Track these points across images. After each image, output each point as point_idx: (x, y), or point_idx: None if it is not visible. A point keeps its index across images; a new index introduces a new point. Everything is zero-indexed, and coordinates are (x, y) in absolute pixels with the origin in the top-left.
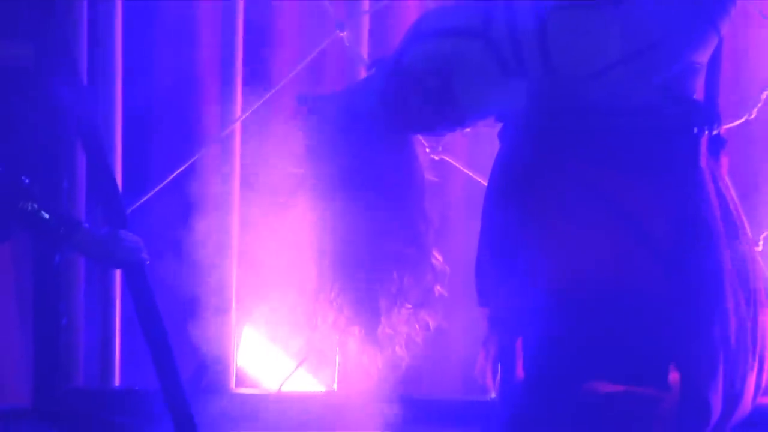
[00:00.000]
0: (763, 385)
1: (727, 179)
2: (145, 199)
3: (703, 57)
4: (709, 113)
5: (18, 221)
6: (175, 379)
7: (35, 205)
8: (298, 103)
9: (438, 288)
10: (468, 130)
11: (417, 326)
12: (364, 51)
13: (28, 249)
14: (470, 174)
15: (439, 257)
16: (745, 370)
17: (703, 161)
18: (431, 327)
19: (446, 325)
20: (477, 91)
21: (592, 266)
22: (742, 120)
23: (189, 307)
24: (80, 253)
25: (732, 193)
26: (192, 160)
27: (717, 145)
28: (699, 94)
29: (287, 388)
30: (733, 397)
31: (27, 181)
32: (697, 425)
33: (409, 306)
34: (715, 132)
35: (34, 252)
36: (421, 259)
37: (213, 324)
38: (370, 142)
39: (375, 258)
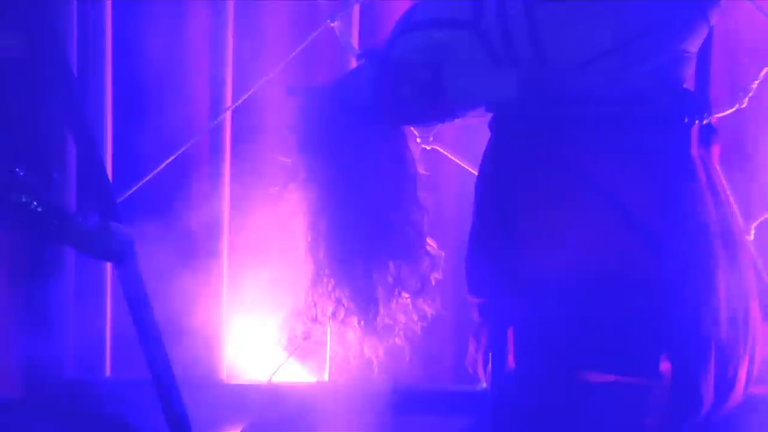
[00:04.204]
0: (754, 374)
1: (718, 168)
2: (134, 189)
3: (694, 46)
4: (699, 102)
5: (11, 213)
6: (166, 370)
7: (29, 198)
8: (288, 95)
9: (434, 276)
10: (459, 120)
11: (415, 315)
12: (355, 42)
13: (20, 240)
14: (461, 164)
15: (434, 245)
16: (736, 359)
17: (694, 150)
18: (429, 315)
19: (442, 313)
20: (467, 81)
21: (584, 255)
22: (734, 109)
23: (180, 299)
24: (72, 246)
25: (723, 182)
26: (182, 150)
27: (708, 134)
28: (690, 84)
29: (278, 378)
30: (724, 387)
31: (21, 173)
32: (688, 414)
33: (407, 295)
34: (705, 121)
35: (26, 244)
36: (417, 247)
37: (204, 315)
38: (361, 133)
39: (371, 248)
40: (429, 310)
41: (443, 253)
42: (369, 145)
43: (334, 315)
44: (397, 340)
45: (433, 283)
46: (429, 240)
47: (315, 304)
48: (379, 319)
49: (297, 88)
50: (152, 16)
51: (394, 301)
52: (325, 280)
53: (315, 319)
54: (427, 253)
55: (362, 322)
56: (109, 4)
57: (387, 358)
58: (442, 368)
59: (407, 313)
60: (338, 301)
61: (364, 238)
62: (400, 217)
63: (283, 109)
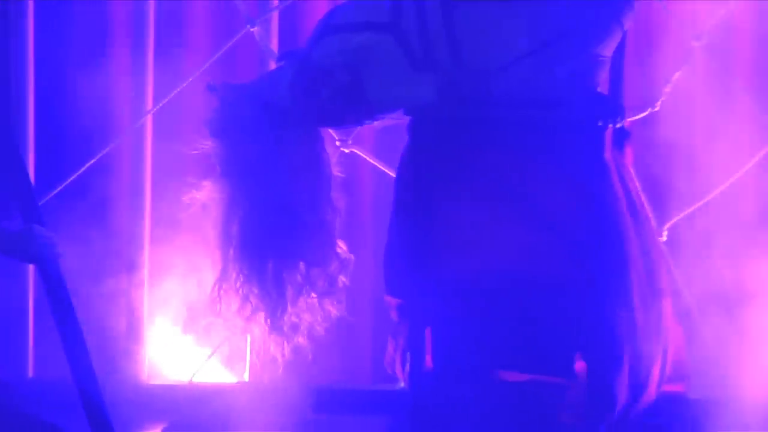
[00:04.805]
0: (667, 373)
1: (631, 171)
2: (56, 191)
3: (608, 50)
4: (613, 106)
5: None
6: (88, 371)
7: None
8: (208, 91)
9: (342, 278)
10: (377, 122)
11: (320, 315)
12: (275, 46)
13: None
14: (380, 166)
15: (344, 247)
16: (649, 359)
17: (608, 153)
18: (334, 316)
19: (352, 315)
20: (386, 84)
21: (499, 256)
22: (647, 113)
23: (101, 300)
24: None
25: (636, 185)
26: (103, 152)
27: (621, 137)
28: (604, 87)
29: (199, 379)
30: (637, 386)
31: None
32: (602, 413)
33: (315, 295)
34: (619, 124)
35: None
36: (327, 249)
37: (125, 316)
38: (278, 133)
39: (282, 247)
40: (334, 311)
41: (353, 257)
42: (285, 145)
43: (240, 311)
44: (301, 339)
45: (341, 285)
46: (339, 242)
47: (220, 300)
48: (285, 317)
49: (216, 84)
50: (74, 20)
51: (302, 300)
52: (233, 276)
53: (219, 314)
54: (337, 255)
55: (269, 320)
56: (31, 7)
57: (293, 356)
58: (361, 368)
59: (313, 313)
60: (245, 298)
61: (275, 236)
62: (312, 218)
63: (202, 111)
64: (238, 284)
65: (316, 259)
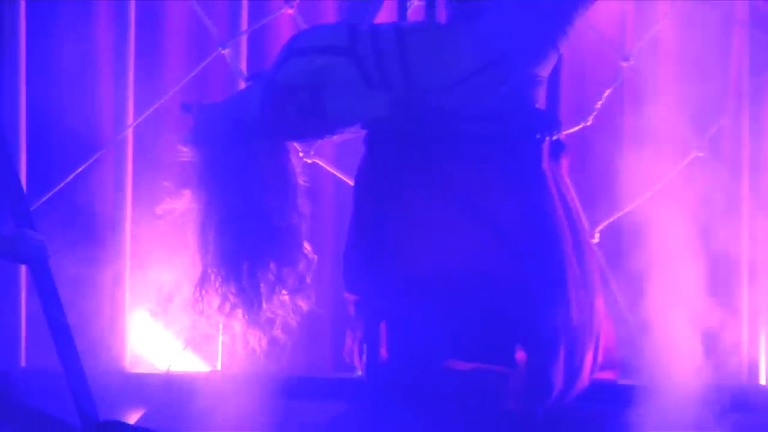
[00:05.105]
0: (599, 362)
1: (567, 179)
2: (46, 198)
3: (545, 71)
4: (550, 120)
5: None
6: (75, 361)
7: None
8: (182, 110)
9: (309, 276)
10: (337, 136)
11: (292, 310)
12: (244, 67)
13: None
14: (339, 175)
15: (310, 248)
16: (583, 350)
17: (545, 163)
18: (304, 310)
19: (318, 309)
20: (344, 102)
21: (447, 257)
22: (580, 127)
23: (87, 296)
24: None
25: (571, 192)
26: (88, 163)
27: (557, 149)
28: (542, 104)
29: (175, 368)
30: (572, 374)
31: None
32: (540, 398)
33: (286, 292)
34: (555, 137)
35: None
36: (295, 250)
37: (109, 310)
38: (248, 147)
39: (255, 249)
40: (305, 306)
41: (317, 257)
42: (255, 157)
43: (220, 309)
44: (277, 331)
45: (309, 282)
46: (306, 244)
47: (202, 299)
48: (261, 313)
49: (191, 104)
50: (64, 45)
51: (275, 297)
52: (212, 277)
53: (202, 313)
54: (305, 255)
55: (247, 316)
56: (23, 28)
57: (269, 347)
58: (322, 358)
59: (285, 308)
60: (224, 297)
61: (248, 240)
62: (281, 222)
63: (178, 125)
64: (217, 284)
65: (286, 259)
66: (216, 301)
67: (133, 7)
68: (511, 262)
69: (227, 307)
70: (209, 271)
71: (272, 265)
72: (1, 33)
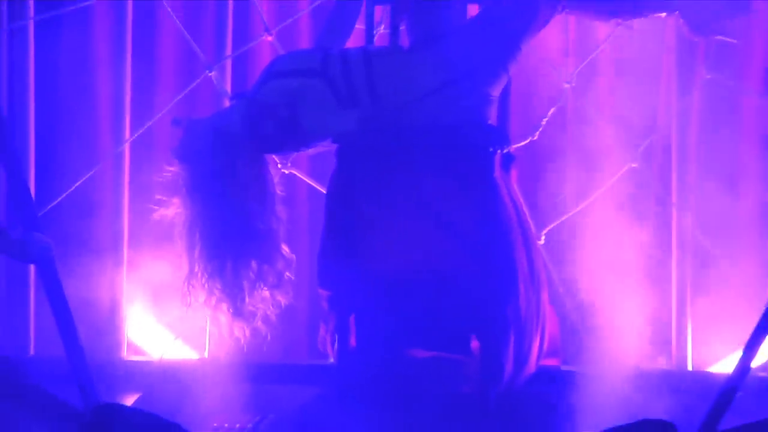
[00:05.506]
0: (544, 350)
1: (516, 187)
2: (51, 206)
3: (496, 91)
4: (501, 135)
5: None
6: (78, 349)
7: None
8: (173, 125)
9: (287, 274)
10: (311, 149)
11: (271, 304)
12: (229, 87)
13: None
14: (313, 184)
15: (288, 249)
16: (530, 339)
17: (497, 173)
18: (283, 304)
19: (295, 303)
20: (317, 118)
21: (409, 257)
22: (528, 141)
23: (89, 291)
24: (2, 252)
25: (520, 199)
26: (90, 174)
27: (508, 160)
28: (493, 120)
29: (167, 356)
30: (521, 360)
31: None
32: (492, 382)
33: (266, 288)
34: (506, 150)
35: None
36: (274, 250)
37: (108, 303)
38: (232, 158)
39: (237, 250)
40: (283, 300)
41: (294, 256)
42: (237, 168)
43: (206, 302)
44: (258, 323)
45: (287, 279)
46: (284, 245)
47: (190, 293)
48: (244, 306)
49: (181, 119)
50: (66, 73)
51: (256, 292)
52: (199, 274)
53: (189, 305)
54: (283, 255)
55: (231, 309)
56: (31, 54)
57: (251, 337)
58: (299, 347)
59: (266, 302)
60: (210, 291)
61: (232, 241)
62: (261, 226)
63: (170, 139)
64: (204, 281)
65: (266, 259)
66: (202, 296)
67: (129, 35)
68: (466, 261)
69: (213, 300)
70: (196, 268)
71: (253, 264)
72: (11, 65)
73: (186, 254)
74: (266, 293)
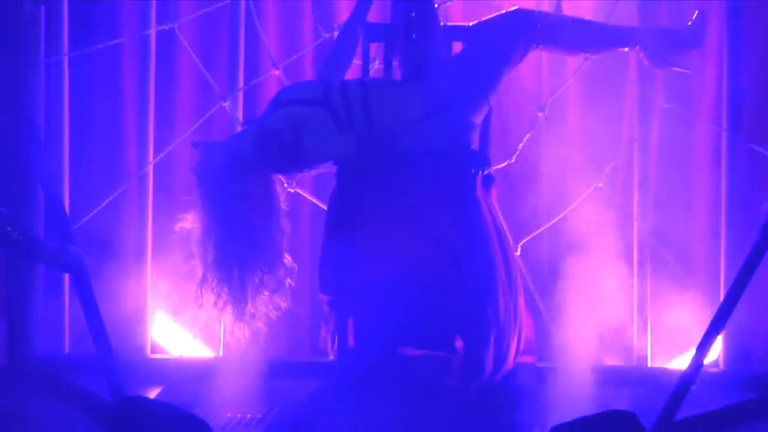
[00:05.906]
0: (521, 349)
1: (495, 204)
2: (84, 221)
3: (478, 119)
4: (482, 159)
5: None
6: (107, 348)
7: (12, 228)
8: (193, 147)
9: (288, 281)
10: (313, 171)
11: (272, 308)
12: (240, 115)
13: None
14: (315, 201)
15: (290, 259)
16: (509, 338)
17: (479, 192)
18: (282, 308)
19: (297, 306)
20: (320, 143)
21: (401, 265)
22: (506, 163)
23: (117, 296)
24: (39, 262)
25: (499, 215)
26: (119, 192)
27: (488, 181)
28: (475, 145)
29: (187, 354)
30: (500, 358)
31: (6, 211)
32: (474, 377)
33: (267, 293)
34: (486, 172)
35: (6, 259)
36: (277, 260)
37: (135, 306)
38: (242, 178)
39: (244, 259)
40: (282, 304)
41: (296, 265)
42: (247, 186)
43: (215, 304)
44: (259, 324)
45: (287, 286)
46: (286, 255)
47: (202, 296)
48: (247, 309)
49: (199, 143)
50: (98, 98)
51: (259, 297)
52: (210, 279)
53: (201, 306)
54: (284, 264)
55: (235, 311)
56: (66, 85)
57: (252, 336)
58: (302, 345)
59: (267, 306)
60: (218, 295)
61: (239, 251)
62: (266, 238)
63: (188, 161)
64: (214, 285)
65: (268, 267)
66: (212, 299)
67: (153, 69)
68: (452, 269)
69: (220, 303)
70: (208, 275)
71: (258, 272)
72: (48, 95)
73: (200, 262)
74: (267, 297)
